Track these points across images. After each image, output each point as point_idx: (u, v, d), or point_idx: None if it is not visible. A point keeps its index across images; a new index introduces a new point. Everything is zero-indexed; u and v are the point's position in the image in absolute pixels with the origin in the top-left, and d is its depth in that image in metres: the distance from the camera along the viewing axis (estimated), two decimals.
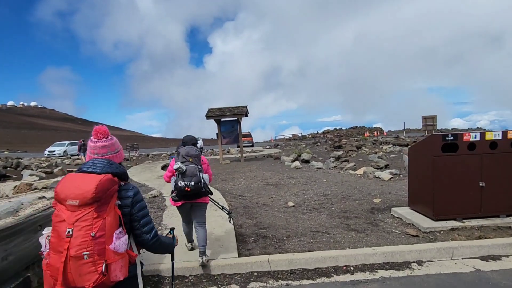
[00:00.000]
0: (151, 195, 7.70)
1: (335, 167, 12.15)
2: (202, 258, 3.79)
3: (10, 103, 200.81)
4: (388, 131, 62.70)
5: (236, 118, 17.05)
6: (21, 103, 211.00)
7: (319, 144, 34.89)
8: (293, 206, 6.48)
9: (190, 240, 4.36)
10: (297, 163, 13.51)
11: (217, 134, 17.43)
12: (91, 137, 1.86)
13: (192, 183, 3.58)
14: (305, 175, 10.46)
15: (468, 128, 55.26)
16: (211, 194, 3.97)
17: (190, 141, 3.98)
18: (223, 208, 4.55)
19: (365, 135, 58.53)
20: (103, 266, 1.55)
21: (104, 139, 1.85)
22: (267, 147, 35.48)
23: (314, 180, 9.46)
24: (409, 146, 5.77)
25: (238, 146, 19.85)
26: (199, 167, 3.73)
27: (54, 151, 30.98)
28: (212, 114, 16.65)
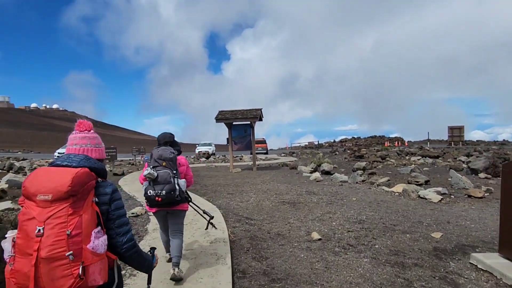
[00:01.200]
0: (133, 213, 6.04)
1: (363, 181, 10.22)
2: (174, 270, 3.28)
3: (33, 105, 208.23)
4: (408, 141, 59.80)
5: (249, 122, 15.38)
6: (44, 105, 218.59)
7: (337, 153, 32.88)
8: (320, 239, 4.66)
9: (169, 249, 3.66)
10: (317, 174, 11.67)
11: (227, 139, 15.81)
12: (72, 131, 1.75)
13: (164, 192, 3.10)
14: (329, 191, 8.62)
15: (495, 141, 51.64)
16: (190, 200, 3.50)
17: (163, 139, 3.45)
18: (204, 212, 3.97)
19: (385, 144, 55.92)
20: (80, 268, 1.37)
21: (86, 131, 1.73)
22: (282, 154, 33.71)
23: (341, 197, 7.61)
24: (505, 162, 3.87)
25: (251, 153, 18.23)
26: (174, 171, 3.23)
27: (63, 153, 30.31)
28: (222, 116, 15.05)
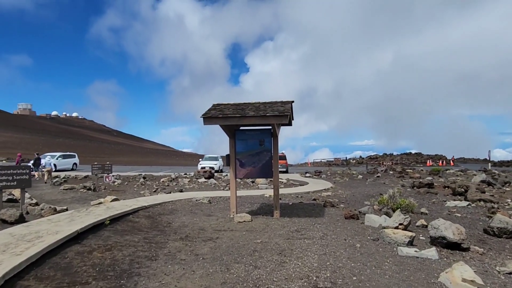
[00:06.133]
0: None
1: None
2: None
3: (54, 113, 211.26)
4: (450, 159, 50.96)
5: (269, 127, 8.18)
6: (64, 113, 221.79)
7: (379, 175, 24.99)
8: None
9: None
10: (463, 272, 4.22)
11: (227, 156, 8.57)
12: None
13: None
14: None
15: None
16: None
17: None
18: None
19: (428, 164, 47.26)
20: None
21: None
22: (307, 175, 26.12)
23: None
24: None
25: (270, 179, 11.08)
26: None
27: (43, 163, 25.18)
28: (218, 113, 7.76)
